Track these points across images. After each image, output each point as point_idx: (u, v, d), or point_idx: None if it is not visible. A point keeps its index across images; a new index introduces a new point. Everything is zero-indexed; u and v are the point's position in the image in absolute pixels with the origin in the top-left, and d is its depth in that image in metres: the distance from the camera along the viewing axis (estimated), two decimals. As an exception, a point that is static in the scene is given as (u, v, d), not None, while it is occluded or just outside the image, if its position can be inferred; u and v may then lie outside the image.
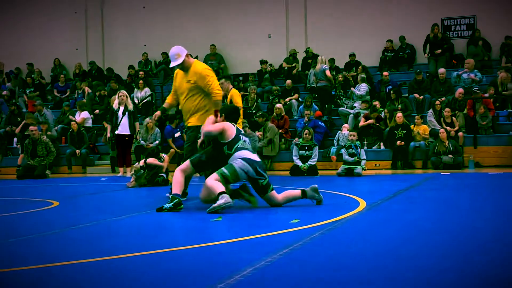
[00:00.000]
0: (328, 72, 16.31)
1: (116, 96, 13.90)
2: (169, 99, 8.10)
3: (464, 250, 3.99)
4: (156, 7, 21.66)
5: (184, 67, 7.59)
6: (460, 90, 15.53)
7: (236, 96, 10.70)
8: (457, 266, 3.51)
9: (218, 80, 9.46)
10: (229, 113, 6.97)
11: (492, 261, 3.64)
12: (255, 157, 6.63)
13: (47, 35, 22.62)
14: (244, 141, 6.68)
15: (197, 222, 5.80)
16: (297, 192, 6.69)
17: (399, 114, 14.59)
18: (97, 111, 18.45)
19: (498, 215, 5.83)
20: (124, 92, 13.97)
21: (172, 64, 7.59)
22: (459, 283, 3.15)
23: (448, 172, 12.62)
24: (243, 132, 6.89)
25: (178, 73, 7.78)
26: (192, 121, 7.69)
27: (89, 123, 17.75)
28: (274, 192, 6.63)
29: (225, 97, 10.93)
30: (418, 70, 16.96)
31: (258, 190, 6.61)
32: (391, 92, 16.02)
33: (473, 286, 3.11)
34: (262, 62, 19.21)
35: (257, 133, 14.56)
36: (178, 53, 7.49)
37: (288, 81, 17.96)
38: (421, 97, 16.31)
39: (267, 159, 15.05)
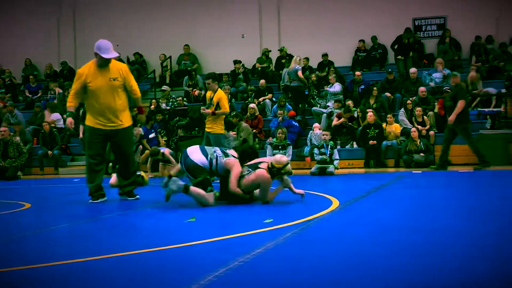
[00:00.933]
0: (300, 73, 16.38)
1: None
2: (73, 102, 7.51)
3: (436, 249, 4.06)
4: (129, 6, 21.52)
5: (108, 63, 7.40)
6: (422, 88, 15.72)
7: (224, 100, 10.60)
8: (428, 265, 3.57)
9: (205, 79, 9.39)
10: (242, 152, 7.11)
11: (463, 259, 3.71)
12: (193, 154, 6.86)
13: (18, 34, 22.31)
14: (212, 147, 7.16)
15: (170, 223, 5.81)
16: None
17: (370, 113, 14.75)
18: (69, 111, 18.26)
19: (468, 213, 5.93)
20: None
21: (109, 56, 7.32)
22: (430, 282, 3.21)
23: (420, 170, 12.78)
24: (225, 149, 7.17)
25: (89, 73, 7.37)
26: (126, 121, 7.57)
27: (60, 124, 17.57)
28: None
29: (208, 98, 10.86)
30: (389, 70, 17.15)
31: None
32: (374, 88, 16.15)
33: (446, 285, 3.17)
34: (236, 62, 19.21)
35: (231, 133, 14.58)
36: (112, 47, 7.34)
37: (262, 81, 17.99)
38: (392, 96, 16.50)
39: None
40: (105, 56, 7.31)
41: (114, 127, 7.49)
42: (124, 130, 7.57)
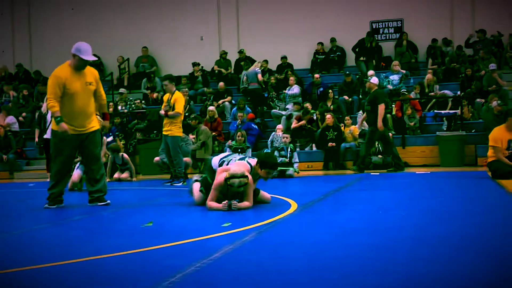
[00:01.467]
0: (260, 76, 16.39)
1: (44, 100, 13.52)
2: (57, 106, 7.12)
3: (390, 251, 4.07)
4: (85, 8, 21.20)
5: (85, 66, 7.26)
6: None
7: (178, 102, 10.49)
8: (383, 267, 3.57)
9: (162, 81, 9.21)
10: (263, 160, 6.86)
11: (418, 260, 3.72)
12: (218, 155, 7.22)
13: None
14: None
15: (127, 228, 5.71)
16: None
17: (329, 116, 14.83)
18: (24, 114, 17.92)
19: (424, 214, 5.99)
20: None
21: (90, 58, 7.21)
22: (385, 285, 3.20)
23: (378, 172, 12.90)
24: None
25: (67, 76, 7.14)
26: (95, 124, 7.47)
27: (15, 128, 17.19)
28: None
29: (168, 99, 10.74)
30: (347, 72, 17.31)
31: None
32: (329, 91, 16.29)
33: (406, 286, 3.17)
34: (194, 64, 19.10)
35: (190, 136, 14.48)
36: (91, 50, 7.24)
37: (221, 84, 17.93)
38: (350, 98, 16.64)
39: (201, 162, 14.98)
40: (86, 58, 7.18)
41: (85, 131, 7.37)
42: (94, 133, 7.48)
